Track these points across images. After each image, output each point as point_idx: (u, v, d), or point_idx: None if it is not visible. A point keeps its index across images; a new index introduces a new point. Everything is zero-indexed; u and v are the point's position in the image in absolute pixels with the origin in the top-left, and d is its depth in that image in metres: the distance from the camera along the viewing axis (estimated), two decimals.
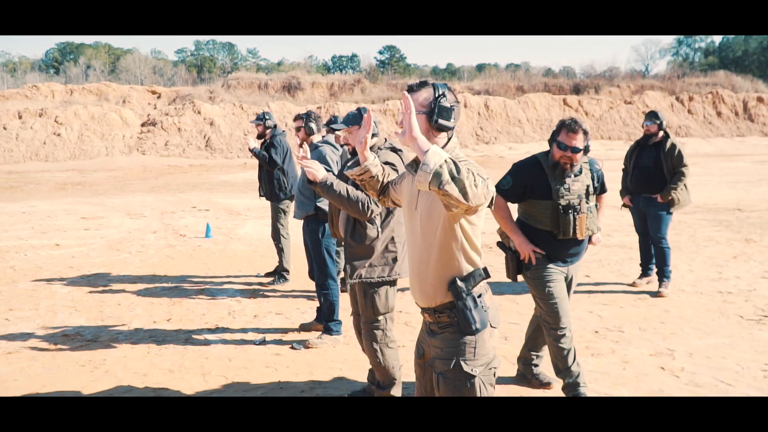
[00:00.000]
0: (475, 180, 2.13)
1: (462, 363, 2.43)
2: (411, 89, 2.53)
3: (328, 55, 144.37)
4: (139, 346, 5.26)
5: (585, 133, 3.91)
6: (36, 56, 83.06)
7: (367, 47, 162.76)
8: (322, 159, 5.28)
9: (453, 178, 2.09)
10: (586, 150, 3.95)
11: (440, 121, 2.47)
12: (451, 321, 2.47)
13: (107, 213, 13.03)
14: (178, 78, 58.38)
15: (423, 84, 2.55)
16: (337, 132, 5.64)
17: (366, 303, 3.86)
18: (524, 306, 6.24)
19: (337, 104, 32.79)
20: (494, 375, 2.49)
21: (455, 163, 2.11)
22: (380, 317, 3.87)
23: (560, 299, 3.95)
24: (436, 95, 2.49)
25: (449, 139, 2.55)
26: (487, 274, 2.50)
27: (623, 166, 7.00)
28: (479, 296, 2.46)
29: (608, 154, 27.27)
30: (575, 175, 3.96)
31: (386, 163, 3.69)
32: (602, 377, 4.45)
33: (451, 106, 2.49)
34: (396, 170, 3.62)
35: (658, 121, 6.62)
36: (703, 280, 7.10)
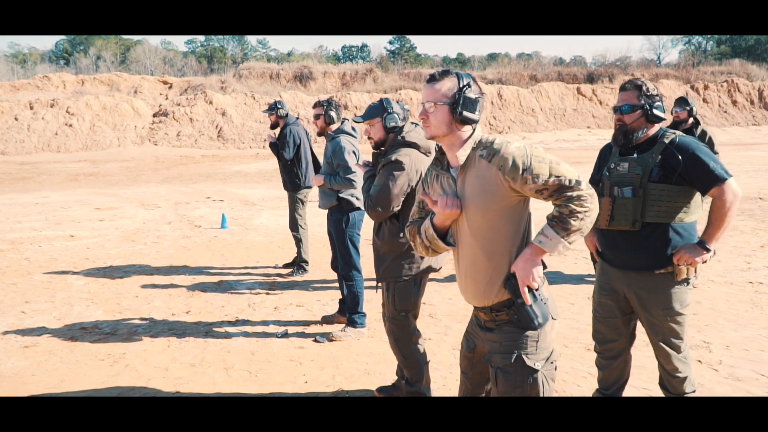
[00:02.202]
0: (581, 214, 2.18)
1: (524, 357, 2.28)
2: (433, 78, 2.35)
3: (338, 45, 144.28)
4: (158, 339, 5.14)
5: (638, 88, 3.14)
6: (46, 47, 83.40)
7: (377, 37, 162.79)
8: (338, 150, 5.11)
9: (573, 233, 2.20)
10: (649, 114, 3.13)
11: (465, 113, 2.30)
12: (510, 318, 2.31)
13: (121, 204, 12.95)
14: (188, 68, 58.34)
15: (446, 73, 2.36)
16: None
17: (388, 298, 3.80)
18: None
19: (349, 94, 32.65)
20: (555, 369, 2.34)
21: (565, 228, 2.19)
22: (402, 313, 3.78)
23: (595, 309, 3.52)
24: (461, 85, 2.32)
25: (473, 132, 2.38)
26: (543, 264, 2.32)
27: None
28: (537, 289, 2.30)
29: None
30: (639, 153, 3.16)
31: (391, 162, 3.55)
32: (638, 371, 4.28)
33: (476, 97, 2.32)
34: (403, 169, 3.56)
35: (688, 107, 6.42)
36: (732, 270, 6.93)
